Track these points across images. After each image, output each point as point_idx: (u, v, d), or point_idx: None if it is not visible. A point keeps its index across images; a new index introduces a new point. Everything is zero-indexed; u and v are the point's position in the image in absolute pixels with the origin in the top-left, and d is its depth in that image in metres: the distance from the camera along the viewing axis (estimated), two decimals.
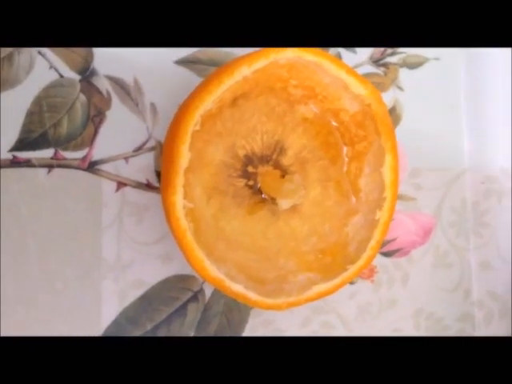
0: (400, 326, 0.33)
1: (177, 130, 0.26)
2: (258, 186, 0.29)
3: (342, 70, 0.27)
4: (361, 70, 0.33)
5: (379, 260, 0.33)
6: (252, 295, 0.27)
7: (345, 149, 0.30)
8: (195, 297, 0.32)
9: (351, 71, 0.28)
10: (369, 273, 0.33)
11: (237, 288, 0.27)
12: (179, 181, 0.26)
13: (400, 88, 0.34)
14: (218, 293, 0.32)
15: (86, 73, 0.31)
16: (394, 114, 0.34)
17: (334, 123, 0.30)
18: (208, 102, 0.26)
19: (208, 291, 0.32)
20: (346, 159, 0.30)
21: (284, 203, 0.29)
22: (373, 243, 0.29)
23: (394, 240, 0.34)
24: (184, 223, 0.26)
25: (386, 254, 0.34)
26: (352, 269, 0.28)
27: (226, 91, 0.26)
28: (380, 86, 0.34)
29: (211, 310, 0.32)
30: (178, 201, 0.26)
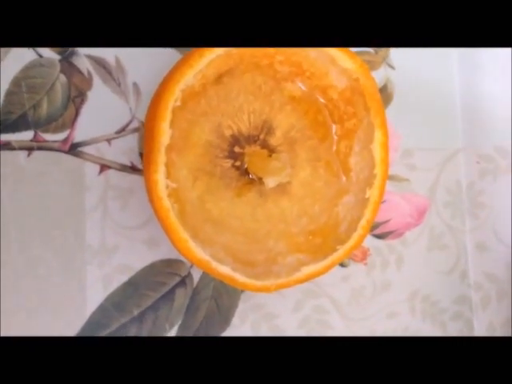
0: (395, 309, 0.33)
1: (157, 107, 0.25)
2: (245, 166, 0.29)
3: None
4: (351, 48, 0.32)
5: (372, 242, 0.33)
6: (239, 277, 0.27)
7: (334, 127, 0.29)
8: (183, 282, 0.31)
9: None
10: (362, 255, 0.33)
11: (224, 270, 0.27)
12: (161, 159, 0.25)
13: (391, 66, 0.33)
14: (206, 277, 0.31)
15: (66, 52, 0.30)
16: (385, 93, 0.33)
17: (322, 100, 0.29)
18: (189, 77, 0.25)
19: (196, 276, 0.31)
20: (336, 138, 0.30)
21: (270, 181, 0.28)
22: (363, 222, 0.28)
23: (387, 222, 0.33)
24: (167, 203, 0.26)
25: (380, 236, 0.33)
26: (342, 249, 0.28)
27: (208, 66, 0.26)
28: (371, 65, 0.33)
29: (200, 295, 0.31)
30: (160, 179, 0.25)
